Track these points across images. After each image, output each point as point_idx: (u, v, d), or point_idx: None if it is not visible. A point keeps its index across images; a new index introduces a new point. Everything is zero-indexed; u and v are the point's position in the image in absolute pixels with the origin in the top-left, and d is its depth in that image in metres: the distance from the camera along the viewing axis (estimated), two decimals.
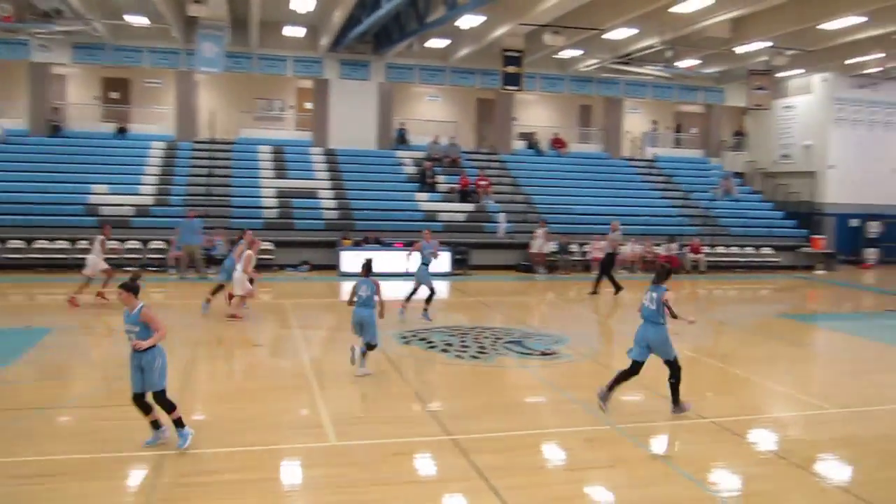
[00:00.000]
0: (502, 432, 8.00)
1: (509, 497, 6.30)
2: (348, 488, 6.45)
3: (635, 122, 32.98)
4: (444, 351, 11.85)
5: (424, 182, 26.08)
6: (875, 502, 6.42)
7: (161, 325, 7.03)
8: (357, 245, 22.01)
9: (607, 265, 19.06)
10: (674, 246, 24.48)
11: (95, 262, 15.33)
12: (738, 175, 31.63)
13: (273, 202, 23.90)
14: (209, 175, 24.80)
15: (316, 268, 22.04)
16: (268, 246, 21.55)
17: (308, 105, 29.20)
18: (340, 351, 12.63)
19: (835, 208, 28.81)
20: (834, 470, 7.40)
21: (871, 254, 28.50)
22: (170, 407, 7.04)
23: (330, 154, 26.93)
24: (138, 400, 7.05)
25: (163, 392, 7.03)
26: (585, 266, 23.73)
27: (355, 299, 10.29)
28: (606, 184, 28.76)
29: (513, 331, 13.72)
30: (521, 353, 11.94)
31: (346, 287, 17.84)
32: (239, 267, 13.94)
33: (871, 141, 29.19)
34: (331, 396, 9.37)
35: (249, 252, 14.09)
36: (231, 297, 14.25)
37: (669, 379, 8.66)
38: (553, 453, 7.65)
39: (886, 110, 29.40)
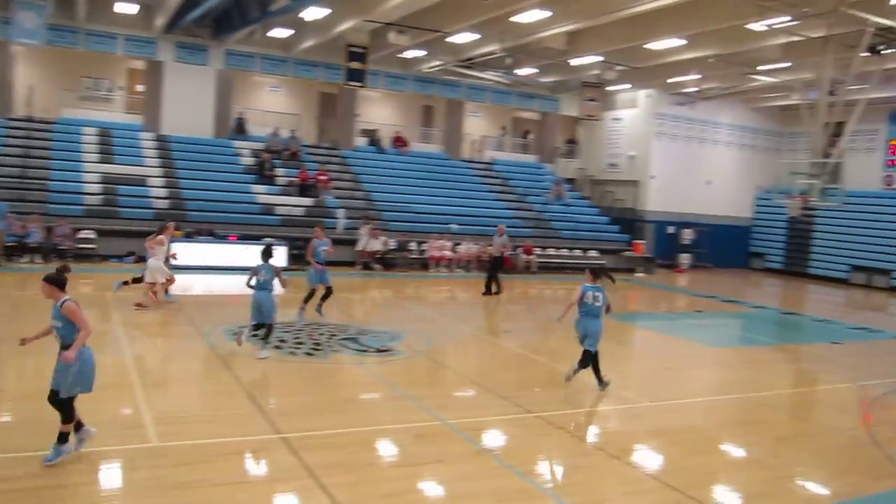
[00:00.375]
0: (334, 429, 7.93)
1: (339, 495, 6.25)
2: (173, 490, 6.14)
3: (476, 124, 33.81)
4: (278, 347, 11.59)
5: (262, 174, 25.39)
6: (680, 487, 6.94)
7: (85, 322, 6.41)
8: (189, 237, 21.06)
9: (495, 268, 19.59)
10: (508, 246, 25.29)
11: None
12: (570, 181, 33.24)
13: (97, 188, 22.37)
14: (25, 156, 22.81)
15: (143, 259, 20.84)
16: (89, 235, 20.20)
17: (140, 87, 27.63)
18: (166, 348, 12.07)
19: (654, 216, 30.98)
20: (646, 459, 7.93)
21: (684, 259, 30.88)
22: (67, 416, 6.40)
23: (162, 140, 25.60)
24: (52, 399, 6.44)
25: (66, 397, 6.40)
26: (423, 264, 24.08)
27: (252, 283, 10.83)
28: (445, 184, 29.30)
29: (348, 327, 13.66)
30: (357, 349, 11.90)
31: (176, 280, 17.02)
32: (151, 255, 14.16)
33: (687, 155, 31.63)
34: (154, 395, 8.91)
35: (162, 237, 14.48)
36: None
37: (582, 364, 9.89)
38: (384, 449, 7.68)
39: (701, 127, 31.94)
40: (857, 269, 29.12)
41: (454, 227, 25.45)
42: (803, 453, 8.41)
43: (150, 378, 9.84)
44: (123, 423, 7.86)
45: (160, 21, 23.78)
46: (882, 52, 19.30)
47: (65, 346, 6.40)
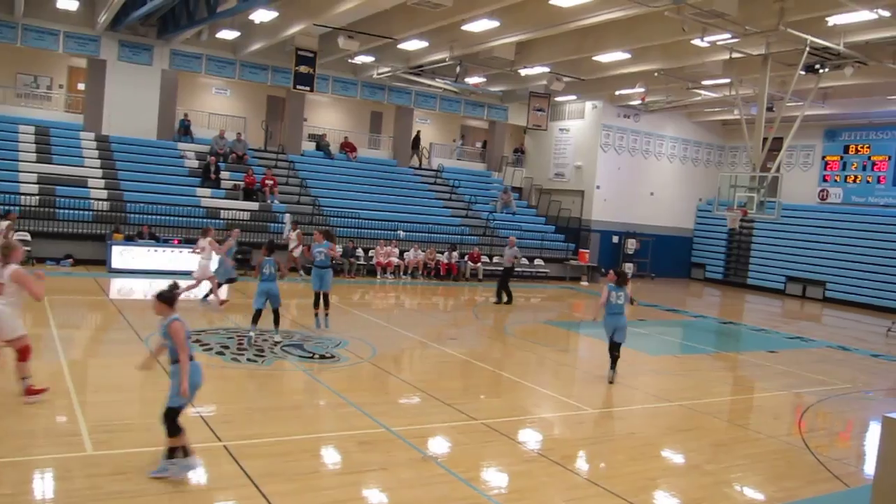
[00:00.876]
0: (276, 437, 7.82)
1: (280, 503, 6.16)
2: (108, 500, 5.96)
3: (424, 132, 33.86)
4: (220, 354, 11.40)
5: (207, 177, 24.97)
6: (621, 493, 7.03)
7: (183, 345, 6.48)
8: (130, 240, 20.59)
9: (506, 277, 20.70)
10: (455, 254, 25.39)
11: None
12: (516, 190, 33.53)
13: (33, 188, 21.66)
14: None
15: (81, 262, 20.34)
16: (24, 237, 19.58)
17: (81, 86, 26.93)
18: (104, 353, 11.76)
19: (599, 225, 31.44)
20: (588, 465, 8.02)
21: (628, 268, 31.34)
22: (172, 430, 6.53)
23: (103, 141, 24.97)
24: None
25: (172, 410, 6.56)
26: (370, 270, 23.98)
27: (260, 276, 12.33)
28: (393, 191, 29.27)
29: (293, 333, 13.52)
30: (301, 356, 11.78)
31: (117, 284, 16.66)
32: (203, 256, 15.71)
33: (632, 166, 32.20)
34: (91, 402, 8.66)
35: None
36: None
37: (614, 353, 11.78)
38: (328, 457, 7.60)
39: (645, 139, 32.57)
40: (792, 280, 30.03)
41: (401, 233, 25.43)
42: (740, 459, 8.60)
43: (87, 385, 9.57)
44: (58, 431, 7.62)
45: (103, 18, 23.20)
46: (819, 70, 19.95)
47: (174, 361, 6.56)
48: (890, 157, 28.82)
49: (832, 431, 10.74)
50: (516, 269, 22.65)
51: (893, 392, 13.19)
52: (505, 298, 20.37)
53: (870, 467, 8.03)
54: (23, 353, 8.28)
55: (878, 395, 12.64)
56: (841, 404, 11.96)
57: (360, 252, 24.30)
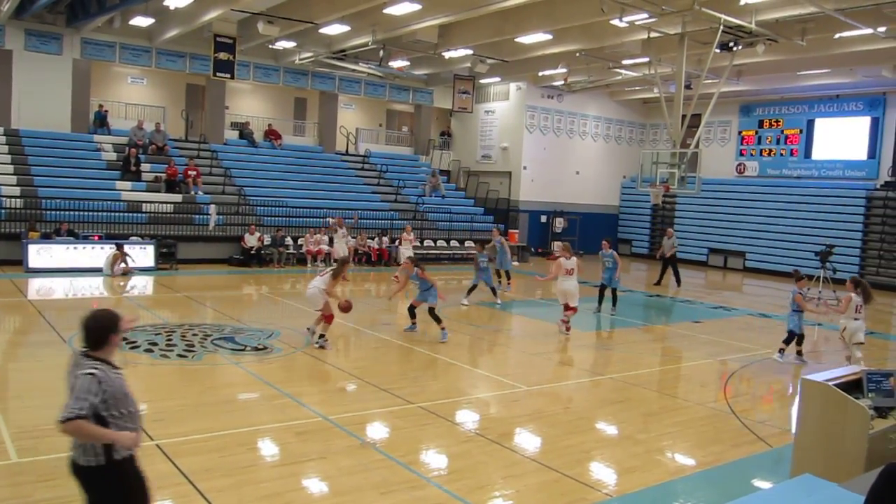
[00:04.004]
0: (211, 432, 7.69)
1: (217, 499, 6.08)
2: None
3: (350, 117, 33.56)
4: (149, 351, 11.12)
5: (127, 170, 24.19)
6: (557, 467, 7.19)
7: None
8: (47, 238, 19.84)
9: (671, 263, 23.49)
10: (385, 239, 25.30)
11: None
12: (444, 173, 33.58)
13: None
14: None
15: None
16: None
17: None
18: (24, 356, 11.33)
19: (527, 205, 31.82)
20: (525, 442, 8.16)
21: (557, 247, 31.84)
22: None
23: (13, 135, 23.87)
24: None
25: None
26: (300, 259, 23.72)
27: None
28: (320, 178, 28.96)
29: (223, 327, 13.29)
30: (232, 349, 11.60)
31: (35, 284, 16.07)
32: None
33: (557, 146, 32.64)
34: (13, 408, 8.35)
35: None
36: None
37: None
38: (265, 449, 7.52)
39: (569, 119, 33.03)
40: (714, 251, 31.05)
41: (330, 220, 25.20)
42: (670, 427, 8.89)
43: (8, 390, 9.22)
44: None
45: (7, 6, 22.07)
46: (733, 48, 20.57)
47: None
48: (801, 131, 29.97)
49: (755, 396, 11.18)
50: (441, 253, 22.72)
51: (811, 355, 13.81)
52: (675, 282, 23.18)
53: (791, 428, 8.40)
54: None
55: (796, 358, 13.19)
56: (763, 369, 12.45)
57: (289, 241, 23.99)
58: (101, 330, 4.31)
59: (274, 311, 16.12)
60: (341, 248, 20.89)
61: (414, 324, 13.69)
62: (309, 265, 23.44)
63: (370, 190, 29.61)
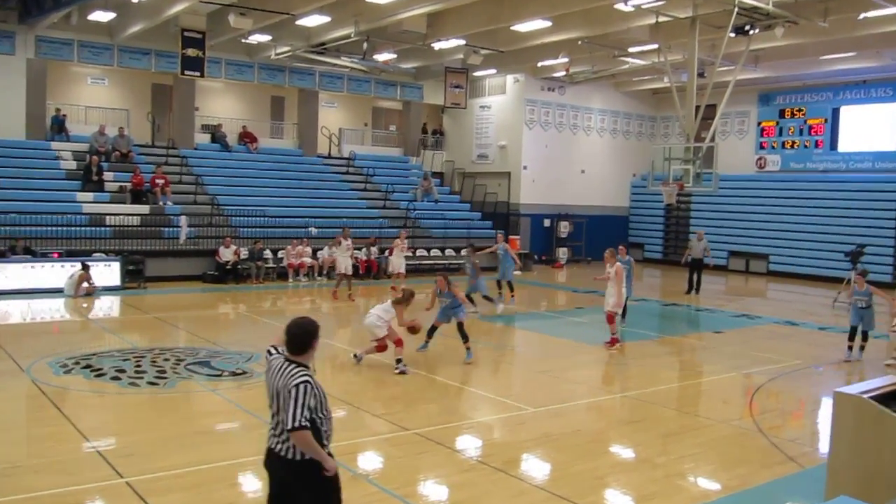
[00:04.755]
0: (186, 467, 7.65)
1: None
2: None
3: (331, 117, 33.59)
4: (116, 379, 11.08)
5: (89, 180, 24.15)
6: (568, 496, 7.17)
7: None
8: (1, 256, 19.77)
9: (697, 270, 23.64)
10: (374, 249, 25.19)
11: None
12: (437, 175, 33.61)
13: None
14: None
15: None
16: None
17: None
18: None
19: (529, 209, 31.84)
20: (532, 469, 8.14)
21: (562, 253, 31.90)
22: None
23: None
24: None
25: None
26: (280, 273, 23.67)
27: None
28: (301, 183, 28.96)
29: (198, 350, 13.25)
30: (209, 374, 11.56)
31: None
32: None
33: (559, 143, 32.69)
34: None
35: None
36: None
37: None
38: (246, 484, 7.49)
39: (573, 113, 33.12)
40: (734, 254, 31.10)
41: (313, 230, 25.18)
42: (692, 448, 8.88)
43: None
44: None
45: None
46: (749, 32, 20.64)
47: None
48: (826, 120, 30.11)
49: (784, 411, 11.18)
50: (436, 263, 22.70)
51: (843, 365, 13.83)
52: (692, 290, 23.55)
53: (824, 446, 8.40)
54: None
55: (828, 369, 13.21)
56: (791, 382, 12.47)
57: (268, 254, 23.95)
58: (305, 335, 5.02)
59: (253, 332, 16.07)
60: (345, 262, 20.62)
61: (427, 343, 13.64)
62: (290, 280, 23.42)
63: (356, 196, 29.61)
